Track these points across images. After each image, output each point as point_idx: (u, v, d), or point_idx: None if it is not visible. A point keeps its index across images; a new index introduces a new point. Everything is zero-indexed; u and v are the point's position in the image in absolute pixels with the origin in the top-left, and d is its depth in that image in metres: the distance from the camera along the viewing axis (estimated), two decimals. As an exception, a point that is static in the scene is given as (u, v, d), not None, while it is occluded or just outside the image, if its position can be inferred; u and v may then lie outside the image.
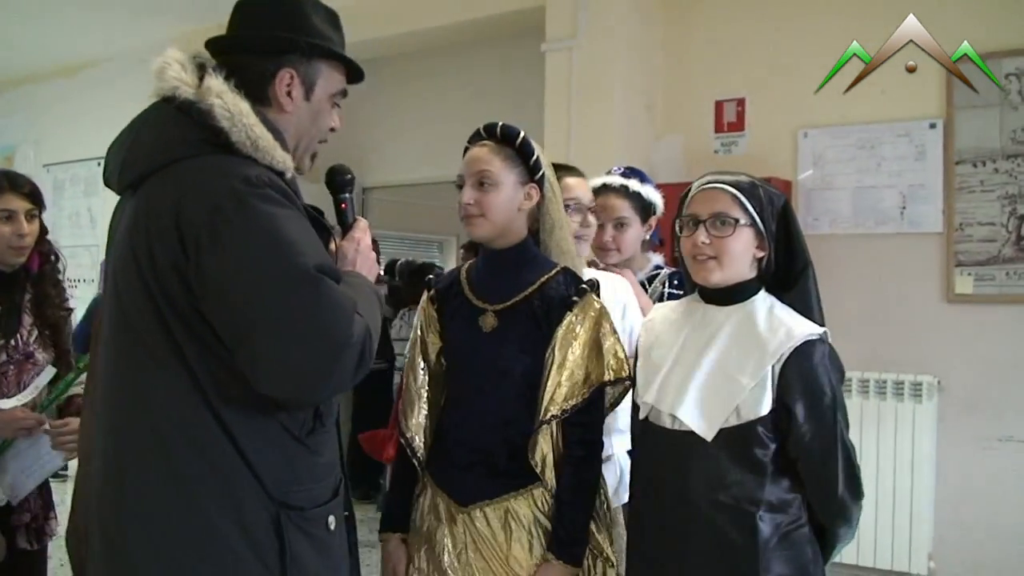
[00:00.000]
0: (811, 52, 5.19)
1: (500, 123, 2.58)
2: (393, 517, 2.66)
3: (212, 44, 2.14)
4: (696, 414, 2.28)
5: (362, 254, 2.21)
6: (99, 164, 8.05)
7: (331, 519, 2.04)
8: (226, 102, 1.94)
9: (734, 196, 2.30)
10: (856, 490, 2.26)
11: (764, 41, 5.39)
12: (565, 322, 2.48)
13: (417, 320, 2.71)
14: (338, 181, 2.32)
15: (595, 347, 2.49)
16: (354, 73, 2.23)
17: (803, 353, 2.21)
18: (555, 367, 2.45)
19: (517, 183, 2.55)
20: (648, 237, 3.43)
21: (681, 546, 2.33)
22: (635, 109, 5.60)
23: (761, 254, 2.31)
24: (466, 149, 2.63)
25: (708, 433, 2.26)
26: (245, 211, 1.84)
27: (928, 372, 4.79)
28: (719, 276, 2.33)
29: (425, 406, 2.63)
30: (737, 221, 2.29)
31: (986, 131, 4.73)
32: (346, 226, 2.26)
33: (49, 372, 3.15)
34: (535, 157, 2.57)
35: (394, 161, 7.52)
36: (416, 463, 2.60)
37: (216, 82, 1.97)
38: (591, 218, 3.08)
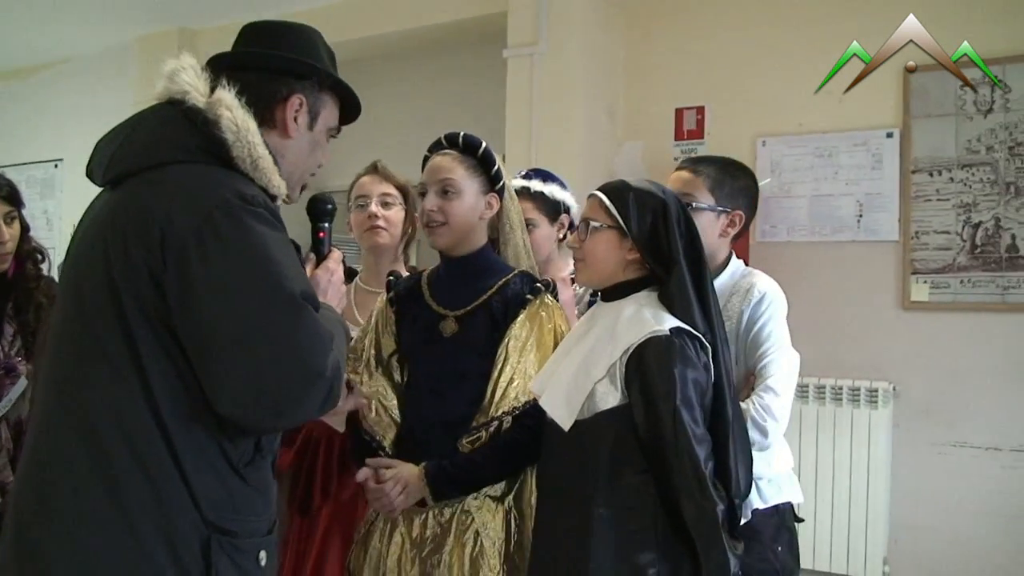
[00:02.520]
0: (771, 62, 5.24)
1: (462, 133, 2.62)
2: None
3: (220, 59, 2.11)
4: (560, 404, 2.32)
5: (334, 285, 2.23)
6: (56, 166, 7.93)
7: (263, 554, 1.97)
8: (235, 116, 1.93)
9: (601, 201, 2.38)
10: (706, 496, 2.14)
11: (724, 51, 5.43)
12: (519, 320, 2.52)
13: (372, 320, 2.72)
14: (319, 209, 2.35)
15: (550, 345, 2.51)
16: (351, 112, 2.26)
17: (644, 349, 2.21)
18: (508, 364, 2.48)
19: (479, 192, 2.60)
20: (562, 237, 3.36)
21: (543, 531, 2.41)
22: (596, 116, 5.62)
23: (632, 256, 2.34)
24: (426, 159, 2.65)
25: (566, 423, 2.30)
26: (238, 226, 1.82)
27: (884, 378, 4.83)
28: (584, 277, 2.47)
29: (390, 403, 2.64)
30: (600, 225, 2.37)
31: (942, 141, 4.78)
32: (321, 255, 2.27)
33: (21, 385, 3.07)
34: (496, 167, 2.60)
35: (354, 166, 7.49)
36: (383, 453, 2.60)
37: (228, 95, 1.96)
38: None
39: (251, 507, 1.95)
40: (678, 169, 2.87)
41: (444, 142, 2.65)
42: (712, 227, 2.76)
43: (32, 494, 1.88)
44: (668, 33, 5.65)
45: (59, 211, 8.34)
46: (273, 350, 1.77)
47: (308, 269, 2.22)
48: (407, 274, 2.93)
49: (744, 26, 5.37)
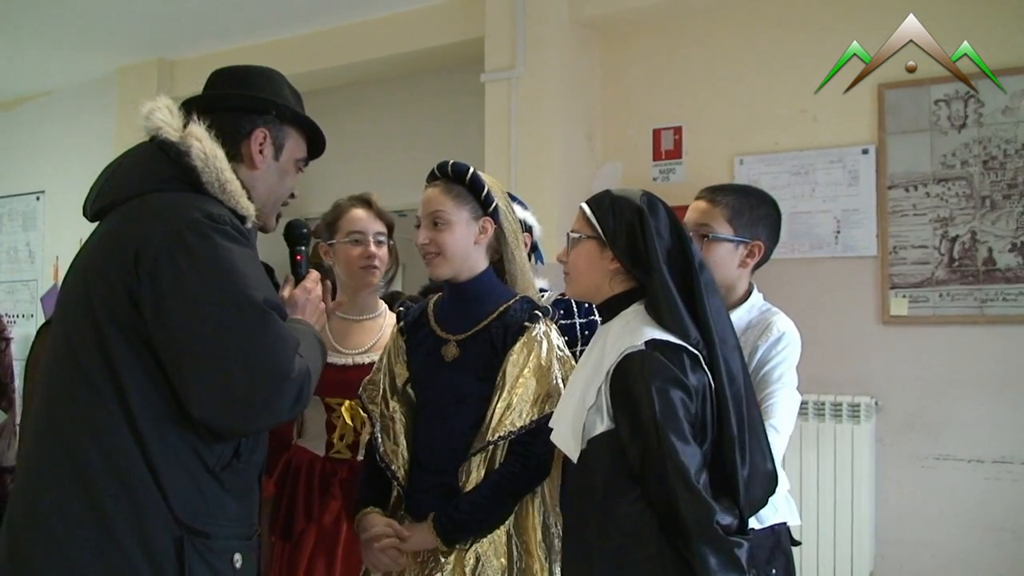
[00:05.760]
0: (746, 81, 5.29)
1: (451, 162, 2.67)
2: (369, 497, 2.70)
3: (191, 103, 2.27)
4: (567, 436, 2.29)
5: (311, 303, 2.40)
6: (38, 198, 7.94)
7: (237, 556, 2.10)
8: (204, 146, 2.11)
9: (583, 211, 2.38)
10: (703, 511, 2.04)
11: (699, 71, 5.48)
12: (516, 346, 2.55)
13: (385, 350, 2.78)
14: (295, 234, 2.57)
15: (545, 371, 2.53)
16: (316, 146, 2.42)
17: (621, 368, 2.18)
18: (505, 390, 2.51)
19: (470, 219, 2.64)
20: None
21: (565, 567, 2.39)
22: (575, 138, 5.66)
23: (615, 266, 2.33)
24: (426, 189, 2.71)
25: (574, 455, 2.28)
26: (205, 241, 1.98)
27: (865, 393, 4.86)
28: (572, 289, 2.47)
29: (401, 430, 2.69)
30: (580, 236, 2.38)
31: (917, 156, 4.82)
32: (299, 276, 2.46)
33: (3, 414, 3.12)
34: (485, 191, 2.63)
35: (337, 191, 7.49)
36: (396, 485, 2.66)
37: (198, 128, 2.14)
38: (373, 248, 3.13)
39: (225, 511, 2.08)
40: (697, 198, 2.83)
41: (436, 172, 2.70)
42: (731, 258, 2.73)
43: (23, 506, 2.02)
44: (644, 54, 5.70)
45: (41, 243, 8.32)
46: (241, 354, 1.92)
47: (287, 290, 2.42)
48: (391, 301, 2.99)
49: (719, 46, 5.42)
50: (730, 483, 2.17)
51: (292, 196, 2.39)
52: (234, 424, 2.00)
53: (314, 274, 2.48)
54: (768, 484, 2.28)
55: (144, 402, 1.97)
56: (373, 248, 3.12)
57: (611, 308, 2.36)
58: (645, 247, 2.27)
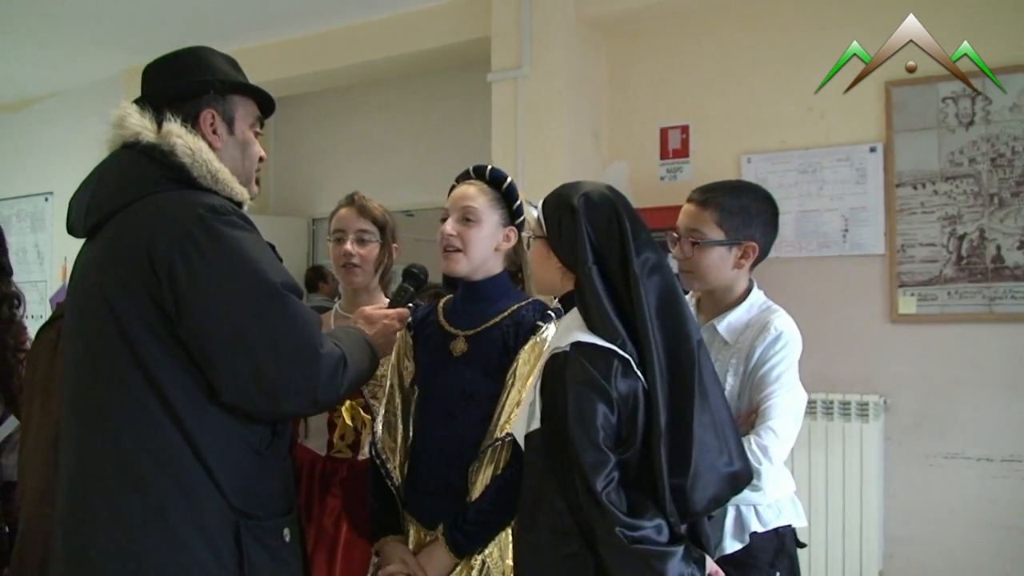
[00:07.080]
0: (753, 79, 5.28)
1: (490, 166, 2.70)
2: (383, 524, 2.68)
3: (135, 104, 2.27)
4: (520, 430, 2.31)
5: (384, 325, 2.47)
6: (46, 200, 7.91)
7: (286, 532, 2.14)
8: (187, 142, 2.13)
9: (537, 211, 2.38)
10: (605, 518, 2.05)
11: (706, 69, 5.48)
12: (527, 346, 2.55)
13: (394, 349, 2.77)
14: (408, 272, 2.73)
15: None
16: (266, 104, 2.41)
17: (548, 368, 2.19)
18: (514, 389, 2.51)
19: (499, 224, 2.66)
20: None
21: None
22: (582, 137, 5.66)
23: (559, 264, 2.31)
24: (452, 188, 2.71)
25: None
26: (213, 235, 2.01)
27: (874, 392, 4.85)
28: (536, 288, 2.50)
29: (400, 427, 2.70)
30: (531, 235, 2.40)
31: (925, 154, 4.81)
32: (393, 305, 2.60)
33: (12, 423, 3.11)
34: (518, 203, 2.65)
35: (344, 191, 7.51)
36: (391, 485, 2.65)
37: (175, 126, 2.15)
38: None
39: (270, 488, 2.14)
40: (688, 200, 2.77)
41: (472, 173, 2.71)
42: (724, 261, 2.68)
43: (76, 513, 2.04)
44: (650, 53, 5.70)
45: (50, 244, 8.35)
46: (265, 336, 1.96)
47: (370, 308, 2.55)
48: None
49: (726, 45, 5.42)
50: (656, 490, 2.12)
51: (261, 159, 2.40)
52: (270, 406, 2.03)
53: (404, 311, 2.56)
54: (729, 485, 2.23)
55: (181, 392, 2.00)
56: (349, 246, 3.10)
57: (566, 305, 2.37)
58: (573, 245, 2.25)
